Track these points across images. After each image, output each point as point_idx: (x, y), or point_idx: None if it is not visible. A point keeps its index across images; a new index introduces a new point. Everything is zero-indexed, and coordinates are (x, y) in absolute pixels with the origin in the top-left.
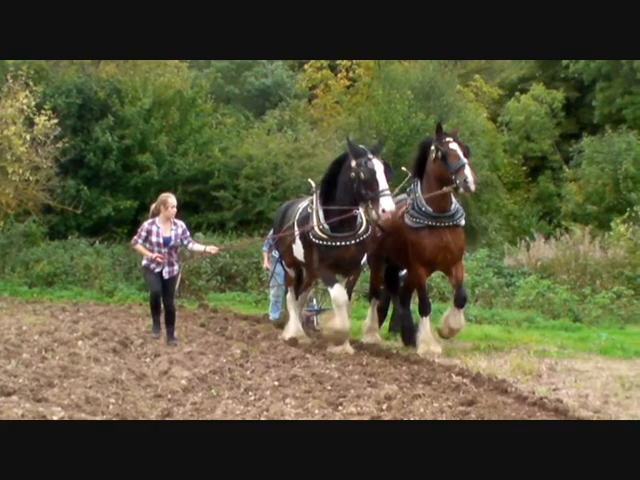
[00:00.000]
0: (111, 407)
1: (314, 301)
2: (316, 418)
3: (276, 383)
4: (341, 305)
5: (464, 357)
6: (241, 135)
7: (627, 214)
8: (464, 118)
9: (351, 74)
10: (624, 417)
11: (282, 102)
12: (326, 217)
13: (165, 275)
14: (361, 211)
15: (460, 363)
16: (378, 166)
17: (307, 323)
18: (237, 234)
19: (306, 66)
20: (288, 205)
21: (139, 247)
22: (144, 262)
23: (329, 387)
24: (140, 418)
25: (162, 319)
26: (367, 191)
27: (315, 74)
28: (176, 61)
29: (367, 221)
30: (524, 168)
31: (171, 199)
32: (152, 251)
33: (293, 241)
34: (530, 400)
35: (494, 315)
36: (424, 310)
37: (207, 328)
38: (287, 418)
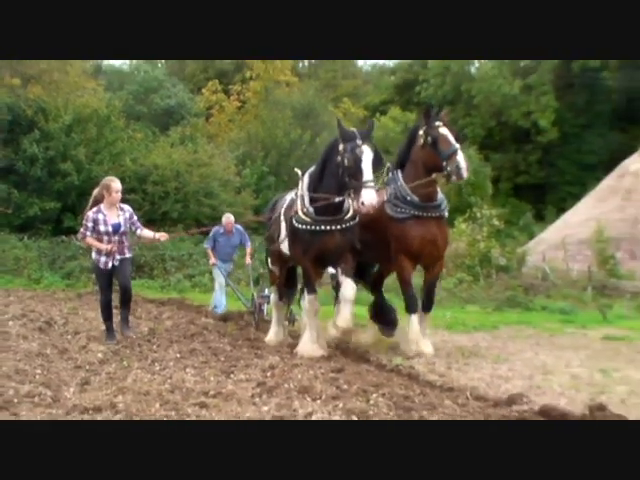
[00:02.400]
0: (37, 377)
1: (266, 290)
2: (211, 384)
3: (178, 355)
4: (308, 314)
5: (335, 332)
6: (149, 147)
7: (467, 214)
8: (336, 134)
9: (242, 97)
10: (463, 380)
11: (183, 120)
12: (312, 202)
13: (115, 263)
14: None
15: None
16: (366, 154)
17: (258, 312)
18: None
19: (204, 90)
20: (278, 198)
21: (89, 240)
22: (93, 255)
23: (223, 358)
24: (62, 386)
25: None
26: (350, 179)
27: (211, 96)
28: (93, 84)
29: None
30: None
31: (115, 183)
32: (101, 241)
33: (279, 234)
34: (388, 367)
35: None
36: (411, 307)
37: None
38: (187, 385)
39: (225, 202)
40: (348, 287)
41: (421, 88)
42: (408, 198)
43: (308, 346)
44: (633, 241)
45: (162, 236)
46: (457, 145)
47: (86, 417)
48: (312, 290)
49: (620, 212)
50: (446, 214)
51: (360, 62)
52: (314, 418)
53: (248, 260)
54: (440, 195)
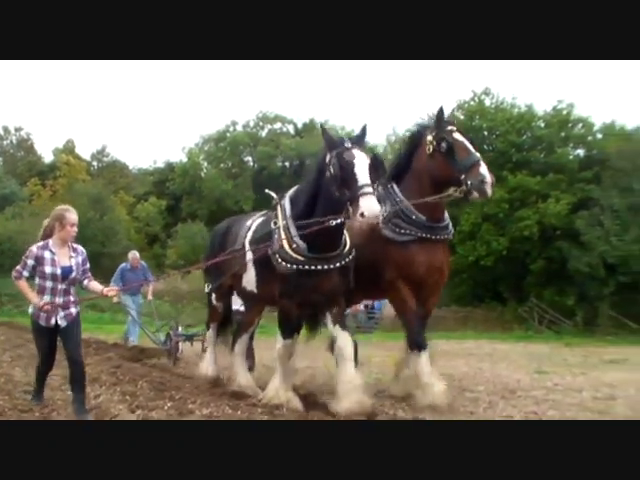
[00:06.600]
0: None
1: (180, 328)
2: (32, 378)
3: (9, 359)
4: (281, 360)
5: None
6: None
7: None
8: (115, 214)
9: (53, 189)
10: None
11: (14, 203)
12: (301, 235)
13: (61, 322)
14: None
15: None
16: (359, 157)
17: (174, 350)
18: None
19: (28, 183)
20: (229, 224)
21: (22, 285)
22: (30, 310)
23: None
24: None
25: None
26: (343, 190)
27: (33, 188)
28: None
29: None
30: None
31: (70, 214)
32: (44, 287)
33: (243, 269)
34: (152, 364)
35: None
36: (420, 342)
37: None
38: (16, 378)
39: None
40: (346, 342)
41: (169, 184)
42: (413, 217)
43: (282, 393)
44: None
45: (109, 291)
46: (478, 155)
47: None
48: (289, 335)
49: None
50: (452, 235)
51: (130, 165)
52: (100, 400)
53: (149, 297)
54: (446, 214)
